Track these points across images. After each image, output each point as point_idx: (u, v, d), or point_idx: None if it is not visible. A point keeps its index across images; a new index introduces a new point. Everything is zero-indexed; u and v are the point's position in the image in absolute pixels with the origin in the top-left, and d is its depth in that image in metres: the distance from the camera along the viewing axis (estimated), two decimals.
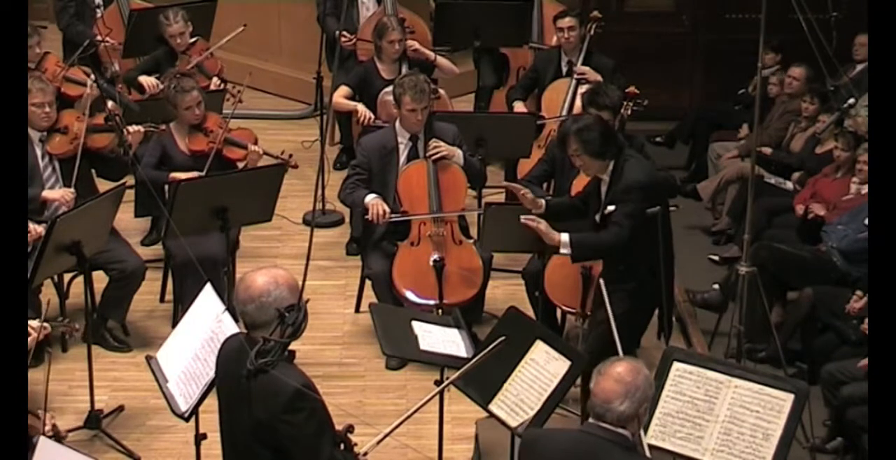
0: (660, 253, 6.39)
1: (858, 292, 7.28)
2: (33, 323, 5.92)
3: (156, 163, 7.84)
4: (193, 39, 8.94)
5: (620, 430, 4.46)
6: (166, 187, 7.61)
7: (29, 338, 5.85)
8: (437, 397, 5.87)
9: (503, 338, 5.62)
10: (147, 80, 8.78)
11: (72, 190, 7.35)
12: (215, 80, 8.88)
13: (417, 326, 6.11)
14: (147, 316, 7.97)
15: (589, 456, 4.46)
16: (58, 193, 7.39)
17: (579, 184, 7.38)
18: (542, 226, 6.61)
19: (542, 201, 6.85)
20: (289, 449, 4.60)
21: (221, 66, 9.10)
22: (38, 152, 7.46)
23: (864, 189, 8.04)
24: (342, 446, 4.71)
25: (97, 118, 7.62)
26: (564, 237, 6.57)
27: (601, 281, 6.38)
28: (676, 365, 5.43)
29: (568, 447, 4.54)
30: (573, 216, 6.84)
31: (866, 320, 6.82)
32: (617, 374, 4.47)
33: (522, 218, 6.65)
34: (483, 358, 5.52)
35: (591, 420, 4.51)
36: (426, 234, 7.59)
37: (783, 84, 9.56)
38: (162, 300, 8.13)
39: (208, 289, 5.85)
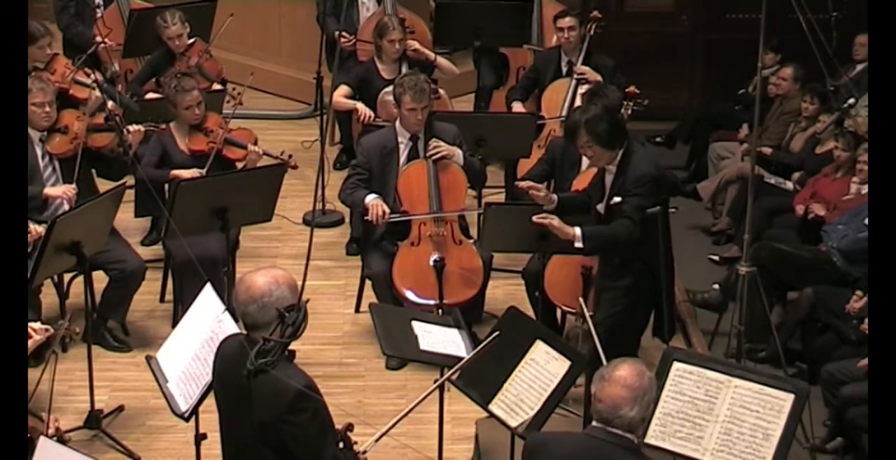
0: (660, 252, 6.38)
1: (858, 292, 7.28)
2: (35, 325, 5.95)
3: (156, 162, 7.85)
4: (192, 40, 8.94)
5: (628, 435, 4.46)
6: (166, 187, 7.62)
7: (31, 341, 5.88)
8: (438, 397, 5.88)
9: (497, 332, 5.64)
10: (153, 97, 8.77)
11: (73, 186, 7.36)
12: (216, 85, 8.87)
13: (417, 326, 6.11)
14: (147, 316, 7.97)
15: None
16: (59, 190, 7.40)
17: (579, 183, 7.39)
18: (556, 222, 6.57)
19: (554, 196, 6.83)
20: (292, 449, 4.60)
21: (221, 68, 9.09)
22: (39, 152, 7.46)
23: (864, 189, 8.04)
24: (342, 445, 4.71)
25: (97, 118, 7.63)
26: (578, 230, 6.53)
27: (581, 299, 6.39)
28: (676, 365, 5.42)
29: (575, 451, 4.54)
30: (583, 211, 6.81)
31: (866, 320, 6.82)
32: (623, 379, 4.45)
33: (535, 217, 6.62)
34: (479, 355, 5.53)
35: (595, 423, 4.51)
36: (426, 234, 7.59)
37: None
38: (162, 300, 8.13)
39: (208, 289, 5.85)
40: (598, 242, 6.56)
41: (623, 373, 4.46)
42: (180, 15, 8.83)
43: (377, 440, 5.02)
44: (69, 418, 6.83)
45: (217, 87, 8.86)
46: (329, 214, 9.13)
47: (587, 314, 6.13)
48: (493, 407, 5.73)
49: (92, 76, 8.07)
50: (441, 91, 8.65)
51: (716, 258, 8.96)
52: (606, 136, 6.43)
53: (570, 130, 6.57)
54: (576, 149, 6.73)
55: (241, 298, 4.65)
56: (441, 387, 5.74)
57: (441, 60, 9.09)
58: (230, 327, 5.42)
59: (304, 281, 4.80)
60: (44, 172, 7.47)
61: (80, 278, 7.18)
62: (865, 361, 6.61)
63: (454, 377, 5.71)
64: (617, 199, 6.50)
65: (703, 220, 9.37)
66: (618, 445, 4.44)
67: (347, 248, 8.71)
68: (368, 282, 7.82)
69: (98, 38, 9.01)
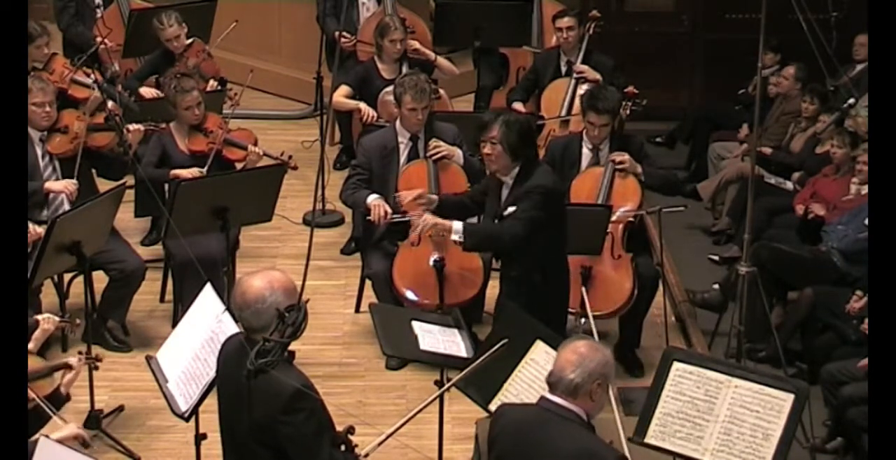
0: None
1: (858, 292, 7.28)
2: (40, 316, 6.00)
3: (156, 162, 7.85)
4: (190, 40, 8.93)
5: (574, 408, 4.55)
6: (166, 187, 7.62)
7: (40, 331, 5.94)
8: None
9: (506, 340, 5.62)
10: (148, 92, 8.78)
11: (74, 181, 7.37)
12: (212, 82, 8.86)
13: (417, 326, 6.10)
14: (147, 316, 7.97)
15: (537, 428, 4.58)
16: (61, 184, 7.41)
17: (579, 184, 7.41)
18: (429, 219, 6.57)
19: (434, 197, 6.85)
20: (288, 449, 4.61)
21: (218, 69, 9.08)
22: (39, 151, 7.47)
23: (864, 189, 8.04)
24: (343, 447, 4.71)
25: (97, 117, 7.63)
26: (457, 225, 6.48)
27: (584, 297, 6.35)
28: (676, 365, 5.42)
29: (522, 418, 4.69)
30: (461, 214, 6.74)
31: (866, 320, 6.82)
32: (575, 347, 4.62)
33: (409, 215, 6.69)
34: (486, 360, 5.53)
35: (546, 394, 4.62)
36: (427, 234, 7.58)
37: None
38: (162, 300, 8.13)
39: (208, 289, 5.85)
40: (479, 239, 6.49)
41: (579, 343, 4.64)
42: (176, 16, 8.81)
43: (380, 443, 5.01)
44: (69, 418, 6.81)
45: (213, 85, 8.84)
46: (329, 214, 9.13)
47: (589, 313, 6.12)
48: (493, 407, 5.72)
49: (92, 76, 8.08)
50: (441, 91, 8.65)
51: (716, 258, 8.96)
52: (513, 140, 6.28)
53: (485, 124, 6.41)
54: (485, 141, 6.44)
55: (237, 302, 4.67)
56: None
57: (441, 60, 9.09)
58: (230, 327, 5.41)
59: (304, 281, 4.81)
60: (44, 172, 7.47)
61: (80, 278, 7.18)
62: (865, 361, 6.61)
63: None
64: (511, 209, 6.38)
65: (703, 220, 9.38)
66: (565, 418, 4.54)
67: (343, 248, 8.71)
68: (368, 282, 7.82)
69: (98, 39, 9.01)
